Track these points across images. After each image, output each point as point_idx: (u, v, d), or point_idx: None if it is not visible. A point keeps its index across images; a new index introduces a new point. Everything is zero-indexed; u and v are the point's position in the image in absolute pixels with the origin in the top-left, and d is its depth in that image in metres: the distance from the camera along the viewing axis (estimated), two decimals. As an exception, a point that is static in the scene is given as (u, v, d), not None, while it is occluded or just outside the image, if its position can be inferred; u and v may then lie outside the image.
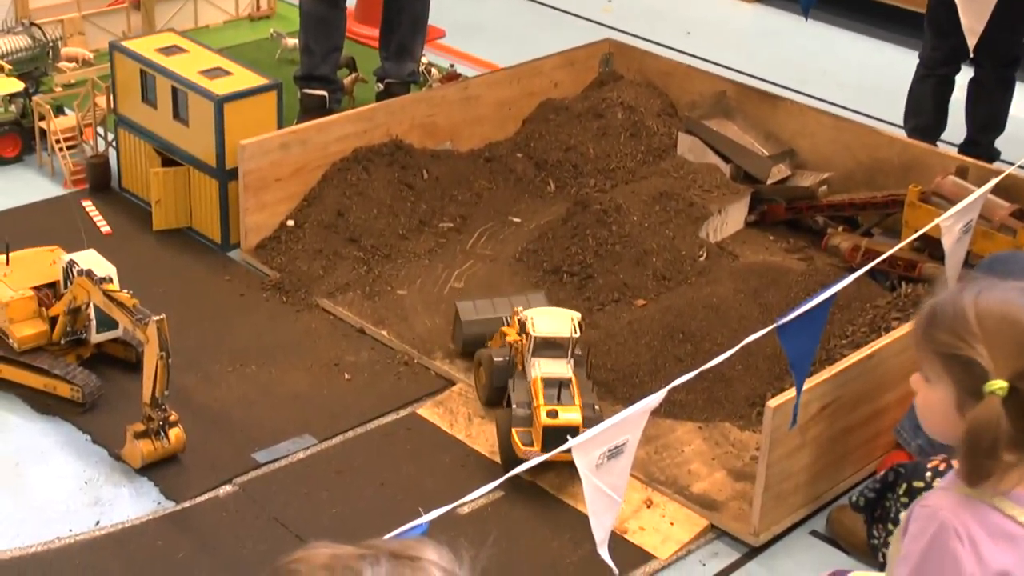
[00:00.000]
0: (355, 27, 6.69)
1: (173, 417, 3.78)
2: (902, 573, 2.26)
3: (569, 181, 5.35)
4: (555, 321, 3.93)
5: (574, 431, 3.52)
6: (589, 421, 3.57)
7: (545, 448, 3.60)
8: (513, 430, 3.75)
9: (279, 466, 3.84)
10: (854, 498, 3.52)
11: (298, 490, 3.75)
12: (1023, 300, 2.18)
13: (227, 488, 3.75)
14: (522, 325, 3.96)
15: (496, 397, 4.04)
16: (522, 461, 3.49)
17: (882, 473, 3.45)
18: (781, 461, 3.52)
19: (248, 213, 4.79)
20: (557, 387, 3.76)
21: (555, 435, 3.61)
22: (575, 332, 3.90)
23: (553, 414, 3.69)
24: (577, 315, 3.99)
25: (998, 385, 2.12)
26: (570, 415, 3.70)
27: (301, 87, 5.66)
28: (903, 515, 2.31)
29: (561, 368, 3.85)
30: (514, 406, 3.80)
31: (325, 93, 5.67)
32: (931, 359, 2.25)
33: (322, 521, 3.60)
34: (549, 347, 3.89)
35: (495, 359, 4.03)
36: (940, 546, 2.20)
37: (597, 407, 3.79)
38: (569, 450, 3.49)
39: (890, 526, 3.35)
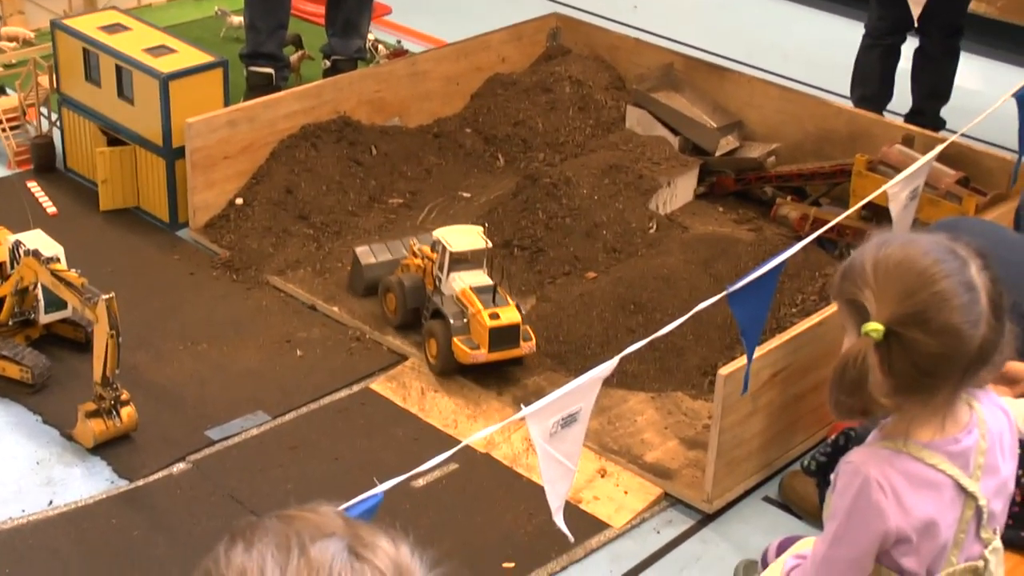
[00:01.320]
0: (301, 4, 6.65)
1: (124, 396, 3.76)
2: (831, 529, 2.30)
3: (518, 155, 5.35)
4: (467, 237, 4.20)
5: (515, 330, 4.00)
6: (525, 319, 4.07)
7: (491, 349, 3.98)
8: (455, 339, 4.02)
9: (232, 443, 3.83)
10: (806, 462, 3.56)
11: (252, 466, 3.74)
12: (921, 250, 2.19)
13: (180, 466, 3.73)
14: (434, 245, 4.23)
15: (410, 318, 4.26)
16: (466, 367, 4.02)
17: (833, 437, 3.48)
18: (733, 428, 3.55)
19: (196, 192, 4.76)
20: (490, 293, 4.06)
21: (500, 335, 3.99)
22: (487, 243, 4.19)
23: (496, 316, 4.00)
24: (480, 228, 4.27)
25: (872, 327, 2.15)
26: (511, 314, 4.03)
27: (247, 65, 5.62)
28: (833, 476, 2.35)
29: (483, 278, 4.14)
30: (449, 317, 4.04)
31: (271, 70, 5.63)
32: (839, 307, 2.29)
33: (277, 496, 3.59)
34: (465, 261, 4.17)
35: (405, 283, 4.25)
36: (864, 499, 2.24)
37: (522, 308, 4.15)
38: (512, 345, 4.03)
39: None
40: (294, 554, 1.35)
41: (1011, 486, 2.38)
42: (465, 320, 4.05)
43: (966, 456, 2.27)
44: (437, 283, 4.19)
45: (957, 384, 2.23)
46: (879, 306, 2.17)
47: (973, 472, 2.28)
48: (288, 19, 5.75)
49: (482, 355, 4.00)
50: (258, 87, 5.51)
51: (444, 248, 4.15)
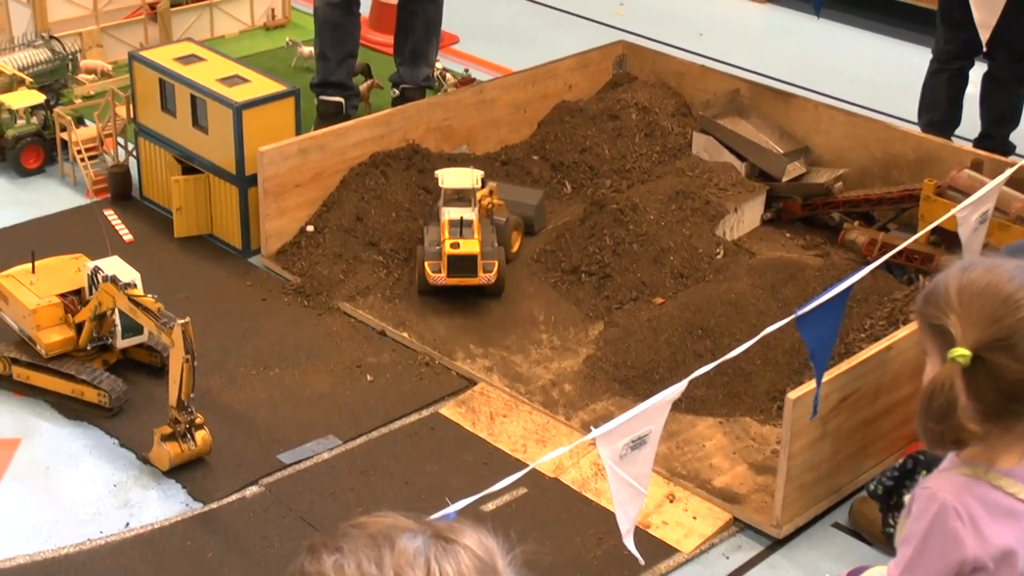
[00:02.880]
0: (370, 34, 6.73)
1: (199, 420, 3.82)
2: (905, 554, 2.29)
3: (585, 182, 5.38)
4: (460, 176, 4.71)
5: (473, 260, 4.47)
6: (487, 255, 4.53)
7: (449, 274, 4.49)
8: (425, 263, 4.52)
9: (304, 467, 3.88)
10: (872, 486, 3.54)
11: (324, 490, 3.79)
12: (1006, 275, 2.18)
13: (253, 489, 3.79)
14: (437, 183, 4.76)
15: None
16: (434, 288, 4.54)
17: (900, 461, 3.47)
18: (802, 452, 3.55)
19: (268, 219, 4.84)
20: (459, 226, 4.54)
21: (457, 263, 4.49)
22: (476, 184, 4.66)
23: (455, 245, 4.49)
24: (480, 172, 4.76)
25: (959, 352, 2.14)
26: (469, 246, 4.49)
27: (317, 94, 5.71)
28: (907, 498, 2.34)
29: (467, 213, 4.60)
30: (426, 244, 4.56)
31: (341, 99, 5.72)
32: (921, 331, 2.28)
33: (348, 520, 3.62)
34: (458, 198, 4.67)
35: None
36: (941, 526, 2.22)
37: (495, 244, 4.60)
38: (469, 273, 4.47)
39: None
40: (385, 549, 1.37)
41: None
42: (437, 247, 4.52)
43: None
44: (435, 215, 4.71)
45: None
46: (964, 332, 2.16)
47: None
48: (357, 49, 5.83)
49: (441, 279, 4.50)
50: (328, 116, 5.60)
51: (439, 184, 4.69)
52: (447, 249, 4.48)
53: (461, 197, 4.68)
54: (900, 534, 2.35)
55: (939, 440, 2.22)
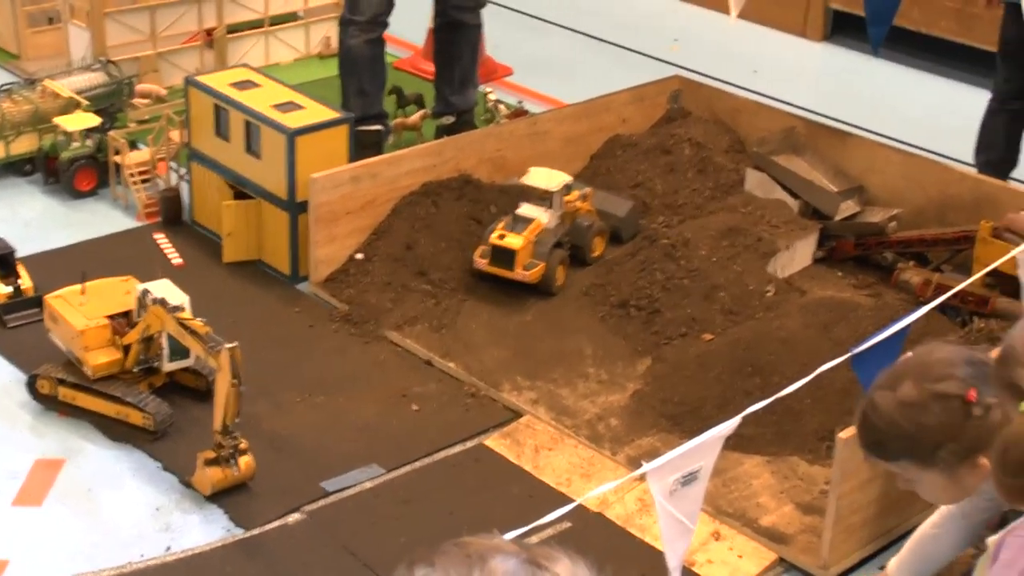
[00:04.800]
0: (423, 64, 6.74)
1: (243, 445, 3.81)
2: None
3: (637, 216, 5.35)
4: (545, 177, 4.87)
5: (512, 254, 4.63)
6: (537, 255, 4.70)
7: (491, 263, 4.69)
8: (480, 247, 4.75)
9: (347, 495, 3.86)
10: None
11: (366, 519, 3.76)
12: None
13: (295, 516, 3.77)
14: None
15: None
16: (478, 273, 4.74)
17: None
18: (852, 493, 3.49)
19: (318, 246, 4.84)
20: (520, 222, 4.72)
21: (498, 254, 4.68)
22: (557, 187, 4.82)
23: (501, 237, 4.67)
24: (569, 178, 4.94)
25: None
26: (513, 240, 4.66)
27: (355, 126, 5.67)
28: (991, 540, 2.28)
29: (537, 212, 4.77)
30: (487, 231, 4.74)
31: (381, 127, 5.73)
32: (1000, 394, 2.24)
33: (391, 550, 3.61)
34: (537, 197, 4.83)
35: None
36: None
37: (554, 248, 4.75)
38: (507, 266, 4.61)
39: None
40: (475, 568, 1.39)
41: None
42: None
43: None
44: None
45: None
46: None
47: None
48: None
49: (483, 264, 4.71)
50: (369, 146, 5.57)
51: (521, 180, 4.88)
52: (493, 239, 4.69)
53: (543, 197, 4.84)
54: None
55: (1019, 494, 2.17)
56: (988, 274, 4.15)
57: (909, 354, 2.58)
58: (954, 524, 2.92)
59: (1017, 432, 2.11)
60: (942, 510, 2.93)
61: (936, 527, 2.90)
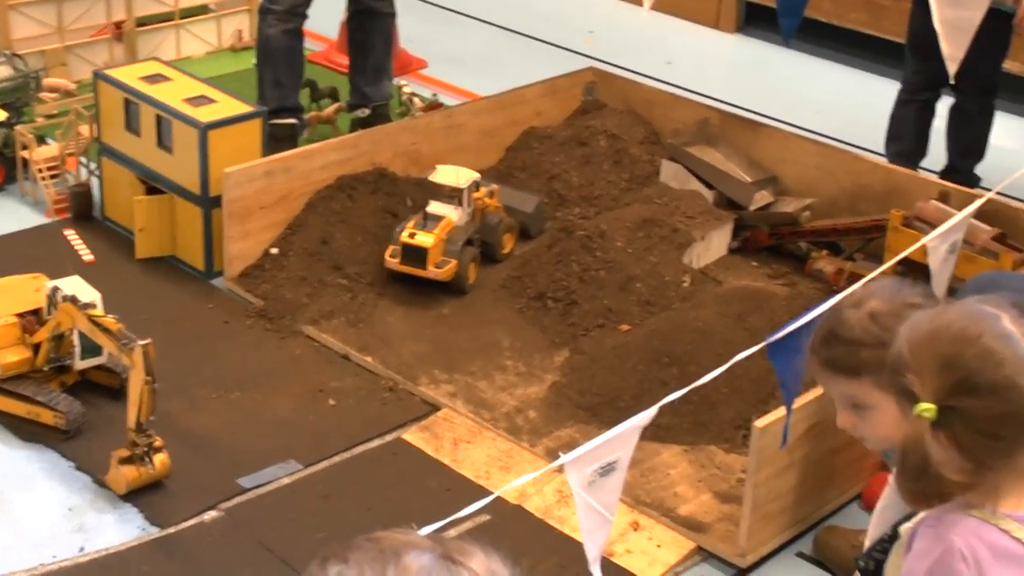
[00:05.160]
0: (337, 57, 6.70)
1: (158, 443, 3.76)
2: None
3: (553, 208, 5.35)
4: (452, 174, 4.84)
5: (423, 252, 4.61)
6: (448, 252, 4.68)
7: (401, 261, 4.67)
8: (391, 247, 4.72)
9: (264, 491, 3.83)
10: (862, 563, 3.49)
11: (284, 515, 3.73)
12: (949, 318, 2.13)
13: (212, 513, 3.73)
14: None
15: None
16: (390, 272, 4.71)
17: (890, 532, 3.40)
18: (768, 481, 3.52)
19: (232, 241, 4.79)
20: (430, 220, 4.71)
21: (409, 252, 4.66)
22: (464, 184, 4.80)
23: (412, 235, 4.64)
24: (476, 175, 4.92)
25: (922, 408, 2.07)
26: (424, 238, 4.64)
27: (269, 119, 5.62)
28: (904, 528, 2.29)
29: (447, 210, 4.77)
30: (397, 230, 4.71)
31: (295, 121, 5.69)
32: (896, 401, 2.22)
33: (309, 545, 3.58)
34: (446, 195, 4.81)
35: None
36: (945, 568, 2.16)
37: (464, 245, 4.74)
38: (419, 264, 4.59)
39: None
40: (389, 564, 1.38)
41: None
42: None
43: None
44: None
45: None
46: (923, 384, 2.09)
47: None
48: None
49: (395, 264, 4.69)
50: (284, 139, 5.52)
51: (429, 178, 4.87)
52: (403, 237, 4.67)
53: (451, 194, 4.82)
54: (893, 565, 2.29)
55: (921, 497, 2.16)
56: (899, 262, 4.20)
57: (859, 285, 2.56)
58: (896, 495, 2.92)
59: (914, 436, 2.11)
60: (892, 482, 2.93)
61: (886, 498, 2.90)
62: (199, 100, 4.88)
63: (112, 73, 5.10)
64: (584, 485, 2.46)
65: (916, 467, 2.10)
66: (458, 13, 7.84)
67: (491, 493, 2.46)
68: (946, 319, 2.14)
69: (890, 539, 3.28)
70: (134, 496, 3.75)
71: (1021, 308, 2.16)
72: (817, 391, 3.57)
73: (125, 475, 3.72)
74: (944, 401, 2.07)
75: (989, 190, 4.47)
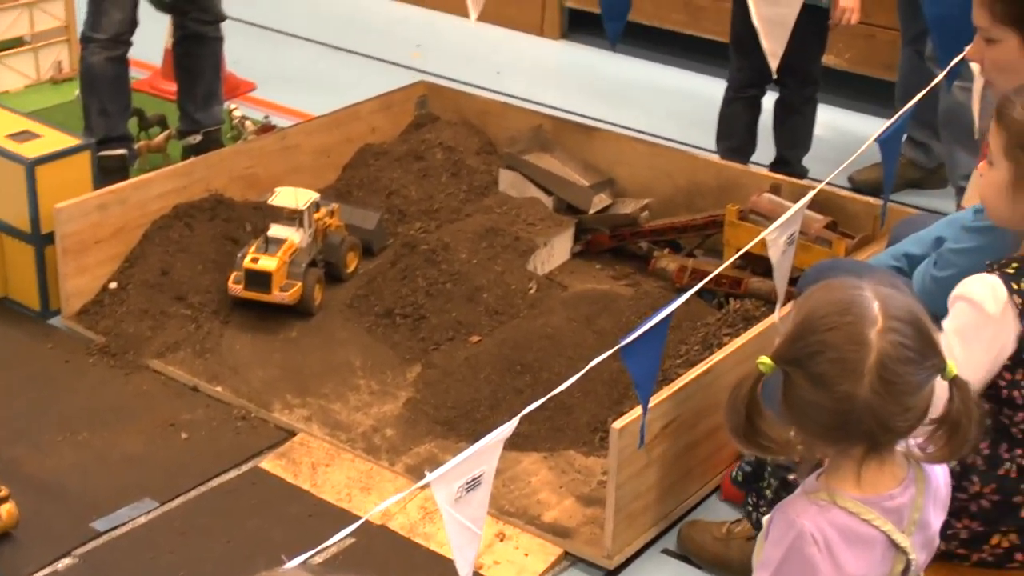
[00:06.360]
0: (162, 84, 6.58)
1: (3, 492, 3.64)
2: None
3: (394, 224, 5.33)
4: (291, 197, 4.77)
5: (267, 277, 4.57)
6: (292, 275, 4.65)
7: (246, 287, 4.60)
8: (233, 273, 4.64)
9: (120, 533, 3.73)
10: (733, 473, 3.58)
11: (142, 556, 3.64)
12: (829, 299, 2.24)
13: (67, 561, 3.62)
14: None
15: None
16: (235, 299, 4.66)
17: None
18: (629, 482, 3.56)
19: (68, 278, 4.66)
20: (272, 243, 4.66)
21: (253, 277, 4.59)
22: (303, 205, 4.75)
23: (255, 260, 4.58)
24: (316, 195, 4.86)
25: (762, 360, 2.23)
26: (267, 263, 4.59)
27: (97, 151, 5.49)
28: (766, 518, 2.35)
29: (288, 232, 4.71)
30: (239, 256, 4.65)
31: (125, 151, 5.56)
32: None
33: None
34: (286, 217, 4.75)
35: None
36: (797, 552, 2.23)
37: (307, 266, 4.70)
38: (264, 289, 4.55)
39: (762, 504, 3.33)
40: None
41: (937, 540, 2.39)
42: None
43: (900, 512, 2.27)
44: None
45: (872, 444, 2.23)
46: (778, 342, 2.22)
47: (907, 527, 2.28)
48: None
49: (239, 290, 4.62)
50: (115, 171, 5.39)
51: (268, 202, 4.83)
52: (246, 263, 4.59)
53: (291, 216, 4.76)
54: (757, 557, 2.36)
55: (742, 434, 2.29)
56: (740, 256, 4.28)
57: None
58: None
59: (745, 376, 2.26)
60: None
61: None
62: (23, 136, 4.75)
63: (-72, 113, 4.93)
64: (451, 502, 2.45)
65: (736, 401, 2.28)
66: (282, 33, 7.76)
67: (354, 516, 2.45)
68: (825, 299, 2.24)
69: (759, 462, 3.33)
70: (-17, 549, 3.63)
71: (900, 324, 2.20)
72: (669, 389, 3.63)
73: (-28, 528, 3.59)
74: (780, 364, 2.23)
75: (819, 181, 4.59)
